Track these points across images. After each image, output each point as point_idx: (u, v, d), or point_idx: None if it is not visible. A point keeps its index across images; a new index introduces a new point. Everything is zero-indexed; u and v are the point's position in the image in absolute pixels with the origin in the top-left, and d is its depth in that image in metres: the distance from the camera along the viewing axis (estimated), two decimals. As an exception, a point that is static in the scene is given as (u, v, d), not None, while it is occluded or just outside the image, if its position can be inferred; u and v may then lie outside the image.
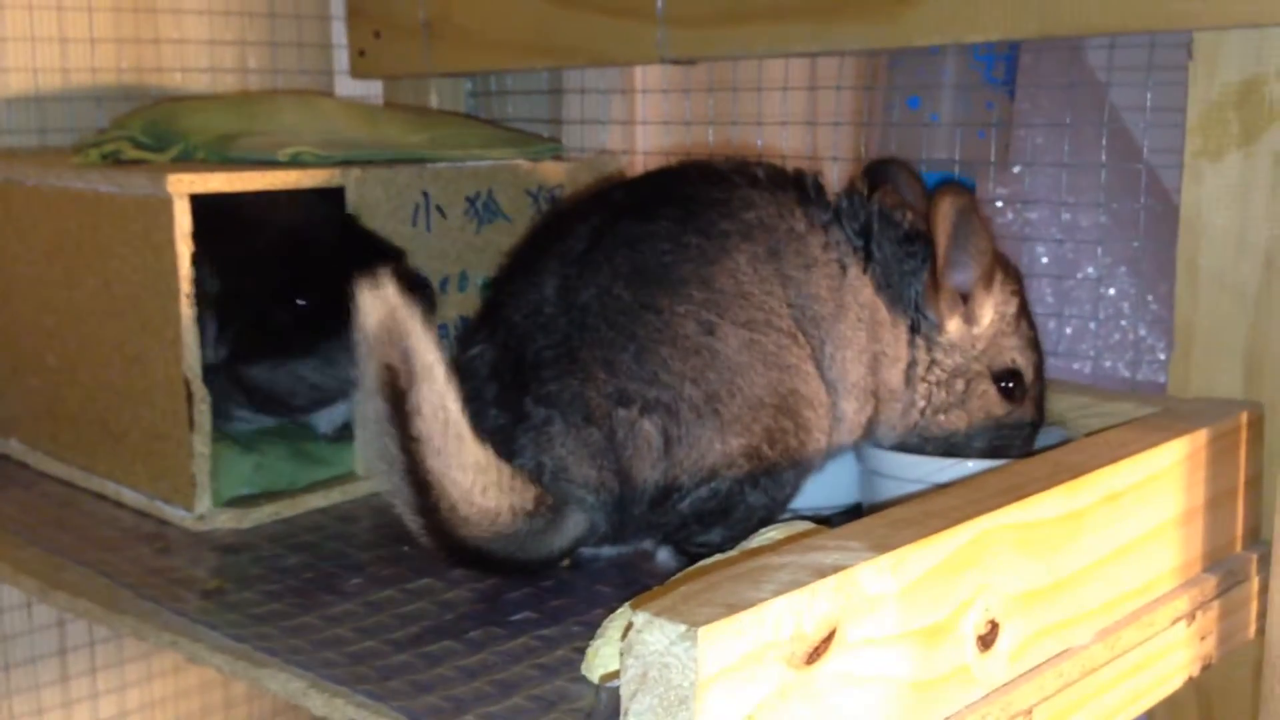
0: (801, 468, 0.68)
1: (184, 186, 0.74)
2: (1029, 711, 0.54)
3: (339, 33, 1.18)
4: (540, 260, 0.70)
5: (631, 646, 0.42)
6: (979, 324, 0.72)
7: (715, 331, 0.65)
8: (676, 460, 0.65)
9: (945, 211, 0.69)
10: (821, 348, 0.69)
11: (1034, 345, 0.74)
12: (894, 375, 0.71)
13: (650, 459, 0.65)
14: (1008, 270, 0.74)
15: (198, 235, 0.74)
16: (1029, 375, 0.73)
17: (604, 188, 0.80)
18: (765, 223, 0.69)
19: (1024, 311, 0.74)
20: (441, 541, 0.63)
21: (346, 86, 1.19)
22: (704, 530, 0.67)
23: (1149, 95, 0.84)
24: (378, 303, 0.57)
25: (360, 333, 0.58)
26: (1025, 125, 0.90)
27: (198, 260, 0.74)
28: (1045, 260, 1.11)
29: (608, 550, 0.70)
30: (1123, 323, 1.11)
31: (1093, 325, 1.06)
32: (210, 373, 0.76)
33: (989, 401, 0.72)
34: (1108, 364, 1.12)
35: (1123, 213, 1.03)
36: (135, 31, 1.06)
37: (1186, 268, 0.74)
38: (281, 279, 0.82)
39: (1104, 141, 0.89)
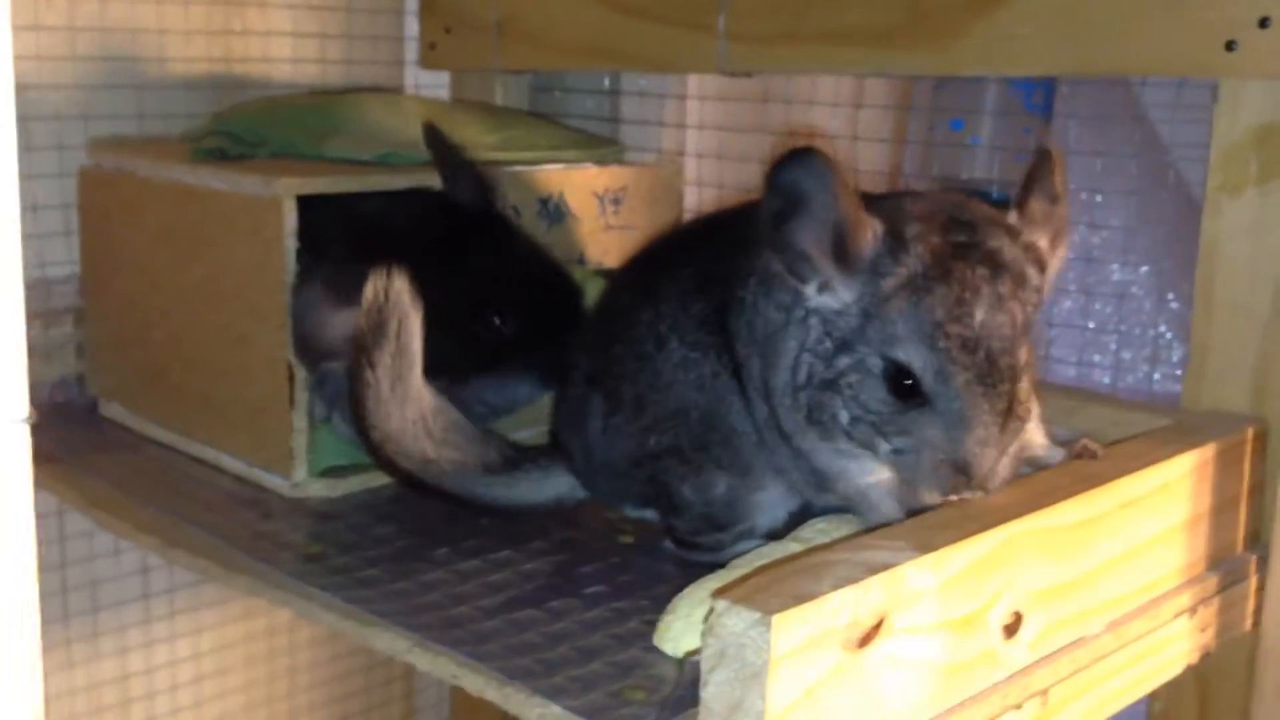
0: (734, 478, 0.73)
1: (291, 188, 0.81)
2: (1045, 692, 0.62)
3: (411, 26, 1.24)
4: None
5: (712, 628, 0.50)
6: None
7: (663, 346, 0.74)
8: (612, 441, 0.77)
9: None
10: None
11: None
12: None
13: (595, 431, 0.77)
14: None
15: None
16: None
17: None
18: None
19: None
20: (378, 461, 0.80)
21: (416, 77, 1.26)
22: (671, 515, 0.76)
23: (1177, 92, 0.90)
24: (381, 284, 0.74)
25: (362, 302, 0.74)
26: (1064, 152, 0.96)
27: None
28: (1070, 255, 1.18)
29: (650, 513, 0.79)
30: (1142, 319, 1.18)
31: (1116, 321, 1.12)
32: None
33: None
34: (1127, 355, 1.18)
35: (1147, 212, 1.09)
36: (225, 23, 1.13)
37: (1203, 292, 0.81)
38: (476, 295, 0.85)
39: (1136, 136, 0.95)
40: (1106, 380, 1.09)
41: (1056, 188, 0.66)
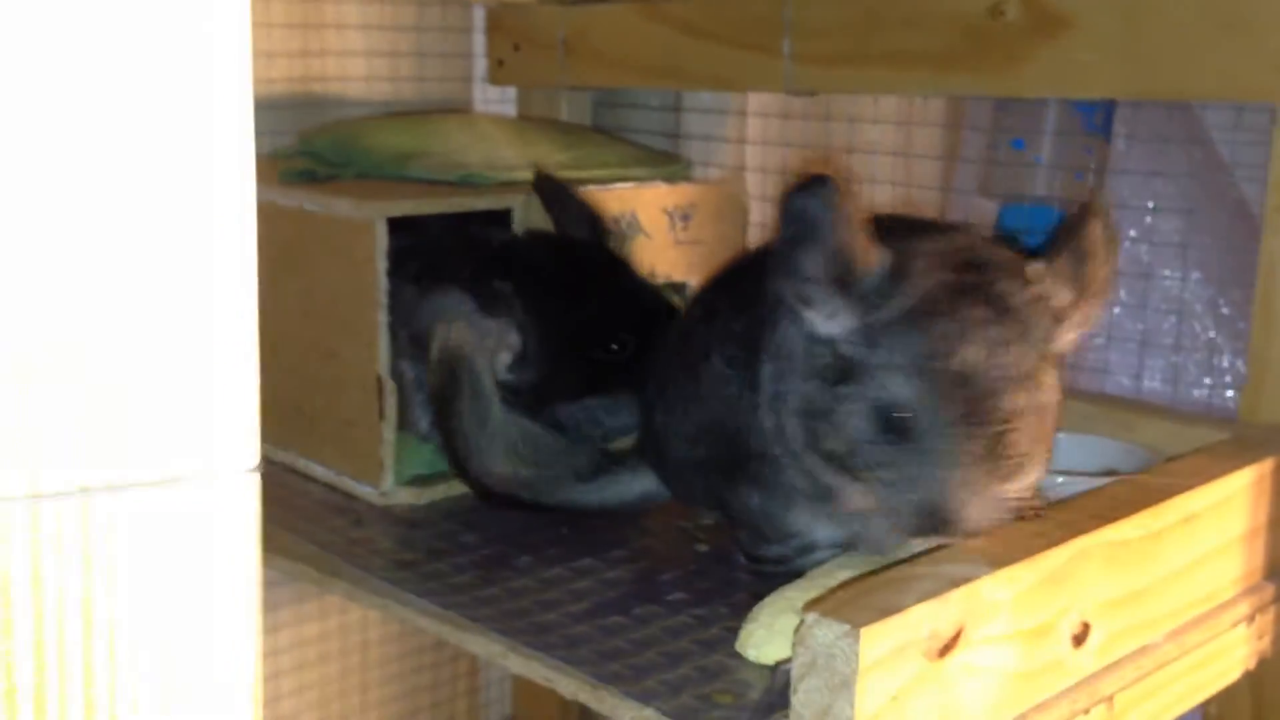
0: (764, 495, 0.73)
1: (382, 211, 0.85)
2: (1110, 698, 0.65)
3: (479, 44, 1.29)
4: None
5: (803, 638, 0.54)
6: None
7: (707, 358, 0.76)
8: (673, 445, 0.80)
9: None
10: None
11: None
12: None
13: (661, 433, 0.81)
14: None
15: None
16: None
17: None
18: None
19: None
20: (477, 492, 0.86)
21: (483, 92, 1.30)
22: (731, 526, 0.79)
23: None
24: (446, 336, 0.80)
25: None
26: (1121, 170, 0.99)
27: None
28: (1128, 267, 1.20)
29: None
30: (1195, 325, 1.20)
31: (1170, 324, 1.15)
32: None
33: None
34: (1177, 359, 1.21)
35: (1201, 225, 1.11)
36: (304, 45, 1.18)
37: (1263, 308, 0.84)
38: (597, 323, 0.89)
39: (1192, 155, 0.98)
40: (1156, 386, 1.11)
41: (1087, 245, 0.65)
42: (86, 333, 0.35)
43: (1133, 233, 1.11)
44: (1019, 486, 0.62)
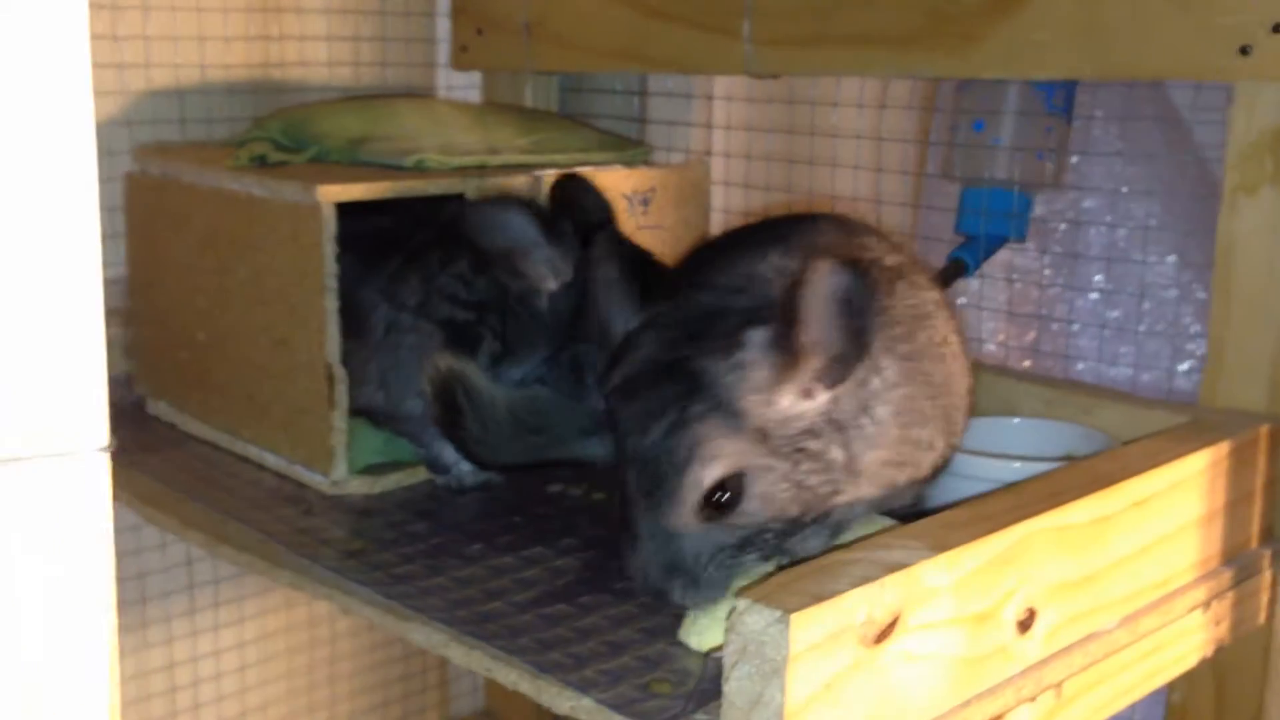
0: None
1: (331, 195, 0.84)
2: (1059, 685, 0.64)
3: (443, 28, 1.27)
4: None
5: (734, 625, 0.53)
6: None
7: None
8: None
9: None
10: None
11: None
12: None
13: None
14: None
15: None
16: None
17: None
18: None
19: None
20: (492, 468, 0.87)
21: (447, 77, 1.29)
22: None
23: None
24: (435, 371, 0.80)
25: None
26: (1080, 151, 0.98)
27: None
28: (1096, 250, 1.19)
29: None
30: (1166, 313, 1.19)
31: (1144, 308, 1.14)
32: None
33: None
34: (1152, 348, 1.20)
35: (1172, 207, 1.10)
36: (263, 29, 1.16)
37: (1221, 291, 0.83)
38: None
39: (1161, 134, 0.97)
40: (1129, 374, 1.11)
41: (800, 311, 0.62)
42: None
43: (1107, 217, 1.10)
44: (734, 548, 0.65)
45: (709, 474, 0.63)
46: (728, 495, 0.63)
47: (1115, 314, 1.15)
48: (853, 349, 0.63)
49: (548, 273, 0.85)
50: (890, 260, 0.73)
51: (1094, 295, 1.14)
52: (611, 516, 0.84)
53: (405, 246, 0.91)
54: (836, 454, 0.66)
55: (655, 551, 0.64)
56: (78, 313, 0.34)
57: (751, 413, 0.63)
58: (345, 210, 0.85)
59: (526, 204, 0.85)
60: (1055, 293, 1.05)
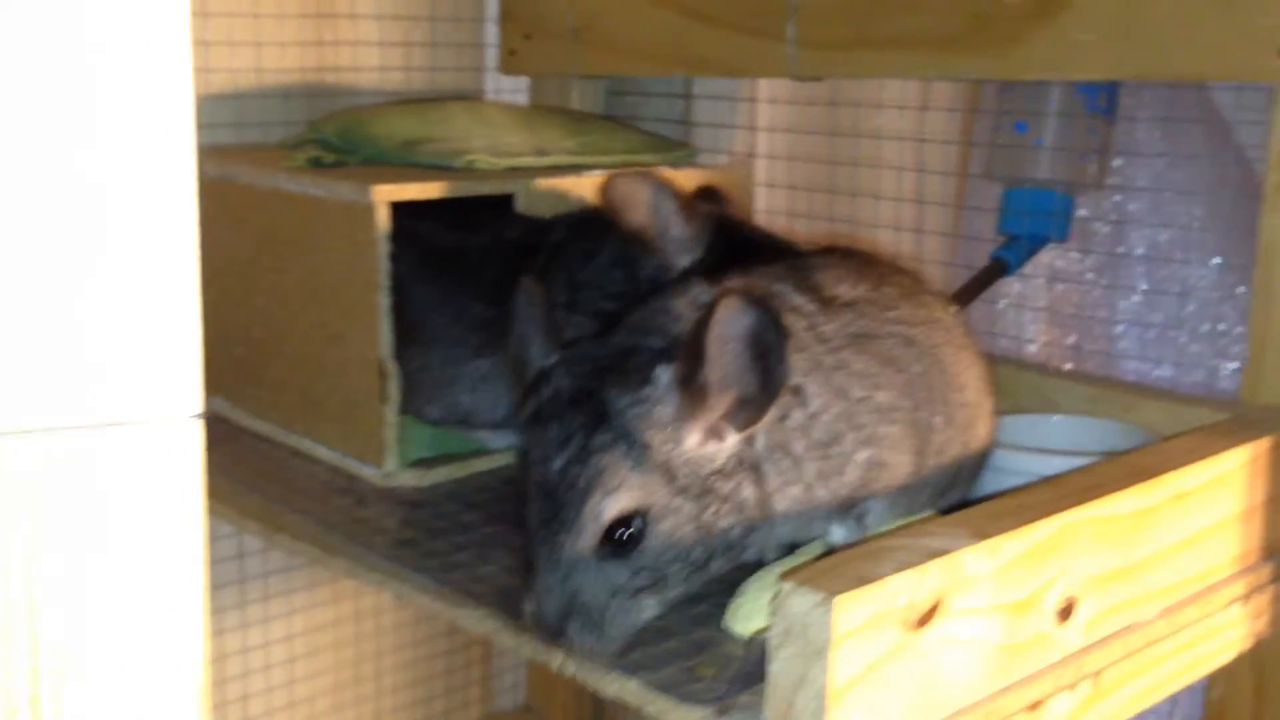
0: None
1: (385, 195, 0.86)
2: (1097, 674, 0.65)
3: (491, 33, 1.29)
4: None
5: (779, 608, 0.54)
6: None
7: None
8: None
9: None
10: None
11: None
12: None
13: None
14: None
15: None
16: None
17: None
18: None
19: None
20: None
21: (495, 81, 1.31)
22: None
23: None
24: None
25: None
26: (1123, 153, 0.99)
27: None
28: (1140, 250, 1.20)
29: None
30: (1211, 314, 1.19)
31: (1188, 309, 1.14)
32: None
33: None
34: (1195, 349, 1.20)
35: (1216, 208, 1.10)
36: (318, 35, 1.19)
37: (1263, 288, 0.83)
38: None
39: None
40: (1172, 375, 1.11)
41: (703, 347, 0.61)
42: (44, 300, 0.36)
43: (1150, 219, 1.10)
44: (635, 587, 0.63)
45: (610, 505, 0.61)
46: (629, 533, 0.62)
47: (1158, 316, 1.16)
48: (763, 391, 0.61)
49: (680, 251, 0.83)
50: (855, 293, 0.72)
51: (1136, 297, 1.14)
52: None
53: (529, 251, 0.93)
54: (748, 493, 0.64)
55: (553, 588, 0.62)
56: (177, 291, 0.37)
57: (657, 449, 0.62)
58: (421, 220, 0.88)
59: (665, 182, 0.84)
60: (1099, 295, 1.06)
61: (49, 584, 0.36)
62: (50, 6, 0.36)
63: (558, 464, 0.62)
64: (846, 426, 0.67)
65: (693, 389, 0.62)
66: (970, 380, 0.75)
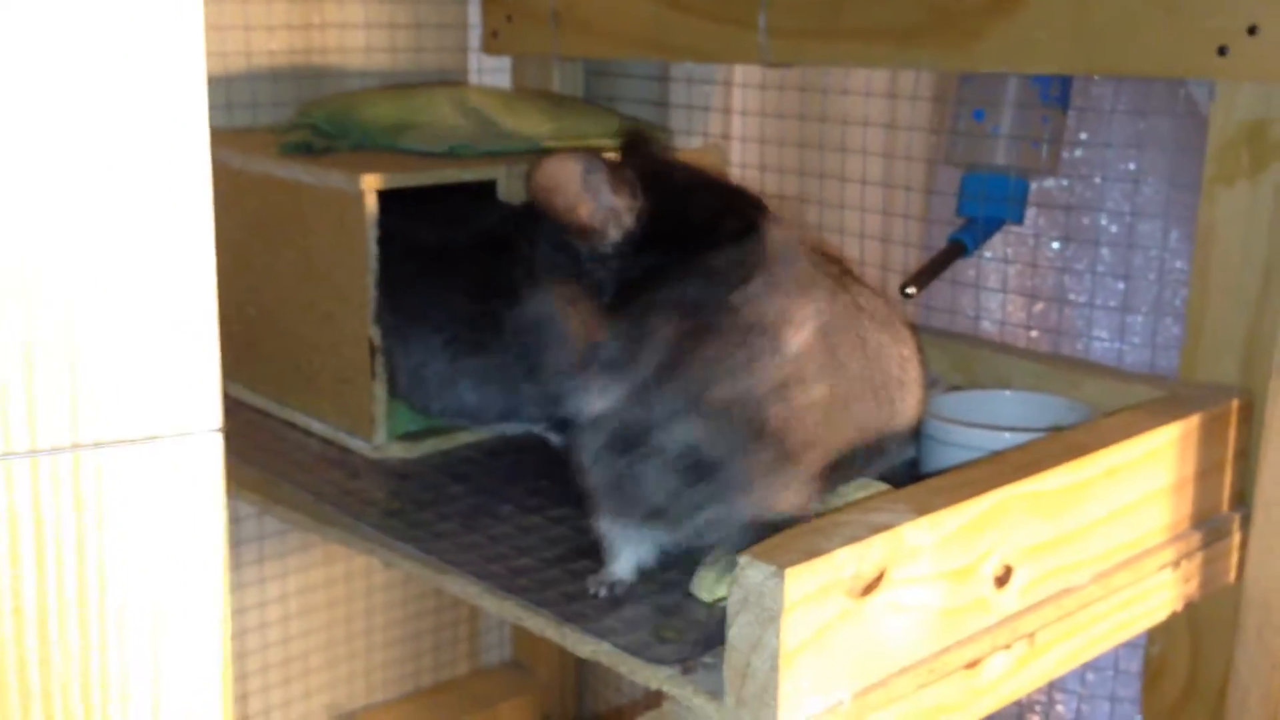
0: None
1: (373, 183, 0.91)
2: (1032, 635, 0.71)
3: (474, 14, 1.33)
4: None
5: (737, 578, 0.60)
6: None
7: None
8: None
9: None
10: None
11: None
12: None
13: None
14: None
15: None
16: None
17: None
18: None
19: None
20: None
21: (479, 61, 1.35)
22: None
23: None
24: None
25: None
26: (1092, 141, 1.03)
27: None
28: (1110, 228, 1.24)
29: None
30: (1176, 289, 1.24)
31: (1151, 287, 1.18)
32: None
33: None
34: (1168, 319, 1.25)
35: (1180, 194, 1.15)
36: (305, 18, 1.23)
37: (1199, 273, 0.89)
38: None
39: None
40: (1136, 353, 1.15)
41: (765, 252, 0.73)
42: (77, 321, 0.40)
43: (1112, 201, 1.15)
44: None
45: None
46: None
47: (1121, 287, 1.20)
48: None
49: (617, 220, 0.83)
50: None
51: (1099, 275, 1.19)
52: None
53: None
54: None
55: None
56: (196, 311, 0.41)
57: None
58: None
59: (591, 155, 0.83)
60: (1059, 273, 1.11)
61: (69, 600, 0.40)
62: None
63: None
64: None
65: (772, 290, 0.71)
66: (891, 358, 0.82)
